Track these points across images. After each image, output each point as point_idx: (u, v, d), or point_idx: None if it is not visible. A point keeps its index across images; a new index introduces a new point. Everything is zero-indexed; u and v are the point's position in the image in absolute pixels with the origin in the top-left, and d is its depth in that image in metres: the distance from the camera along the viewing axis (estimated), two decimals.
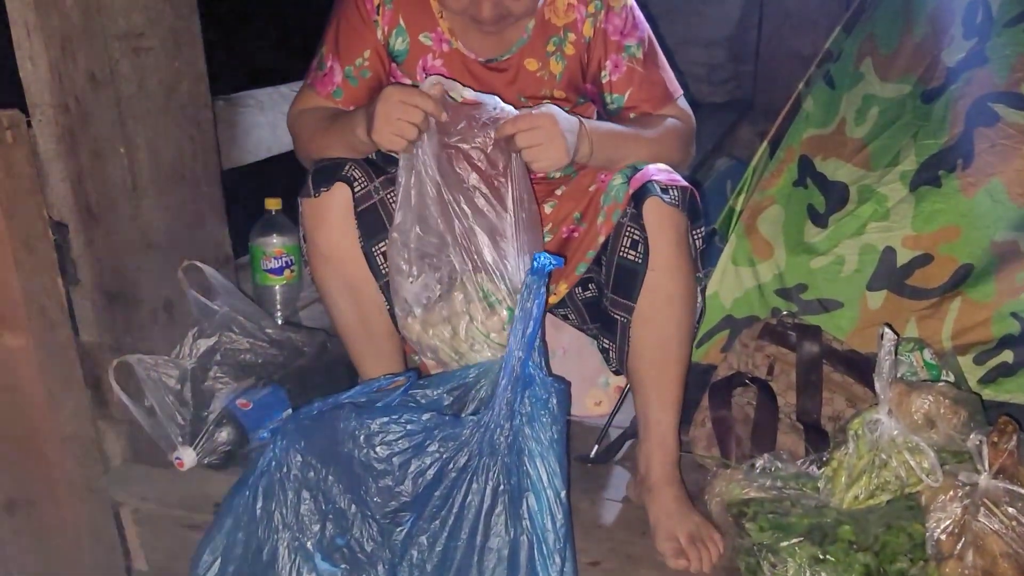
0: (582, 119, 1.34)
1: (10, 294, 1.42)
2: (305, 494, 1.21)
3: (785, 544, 1.20)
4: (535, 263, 1.16)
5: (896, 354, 1.21)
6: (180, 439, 1.49)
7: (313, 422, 1.23)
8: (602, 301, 1.42)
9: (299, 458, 1.21)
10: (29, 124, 1.43)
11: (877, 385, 1.23)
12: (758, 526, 1.24)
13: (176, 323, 1.59)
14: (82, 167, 1.46)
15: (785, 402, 1.48)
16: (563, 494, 1.17)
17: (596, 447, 1.57)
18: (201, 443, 1.50)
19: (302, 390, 1.62)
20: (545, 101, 1.45)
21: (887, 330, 1.21)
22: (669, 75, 1.51)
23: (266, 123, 2.08)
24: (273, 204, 1.94)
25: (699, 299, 1.44)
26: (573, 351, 1.64)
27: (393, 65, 1.49)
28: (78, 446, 1.54)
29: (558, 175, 1.54)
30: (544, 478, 1.15)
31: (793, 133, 1.72)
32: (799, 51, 3.14)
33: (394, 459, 1.19)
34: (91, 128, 1.45)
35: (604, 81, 1.48)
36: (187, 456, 1.49)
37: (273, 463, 1.22)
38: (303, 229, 1.42)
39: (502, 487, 1.15)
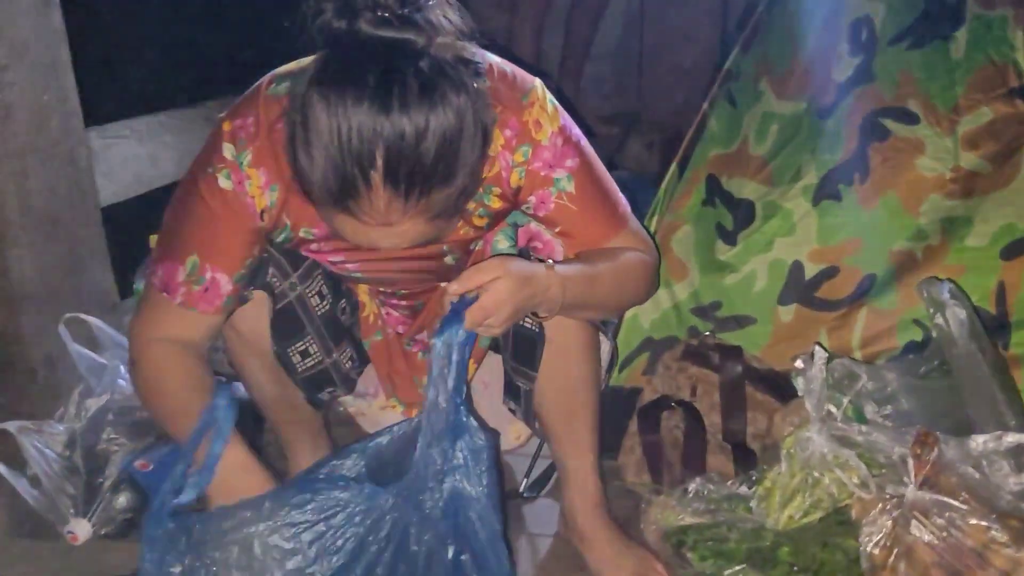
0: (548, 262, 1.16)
1: None
2: None
3: (728, 572, 1.20)
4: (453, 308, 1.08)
5: (826, 371, 1.23)
6: (72, 511, 1.36)
7: (183, 523, 1.07)
8: (504, 364, 1.36)
9: (179, 568, 1.07)
10: None
11: (808, 403, 1.24)
12: (699, 555, 1.24)
13: (59, 382, 1.46)
14: None
15: (710, 423, 1.48)
16: (503, 543, 1.12)
17: (525, 481, 1.53)
18: (97, 512, 1.37)
19: None
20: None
21: (818, 348, 1.23)
22: (612, 201, 1.27)
23: (145, 155, 1.94)
24: None
25: (608, 342, 1.40)
26: (495, 385, 1.59)
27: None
28: None
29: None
30: (484, 530, 1.09)
31: (699, 153, 1.74)
32: (680, 64, 3.23)
33: (302, 537, 1.06)
34: None
35: (530, 213, 1.25)
36: (81, 529, 1.36)
37: None
38: None
39: (437, 547, 1.09)
